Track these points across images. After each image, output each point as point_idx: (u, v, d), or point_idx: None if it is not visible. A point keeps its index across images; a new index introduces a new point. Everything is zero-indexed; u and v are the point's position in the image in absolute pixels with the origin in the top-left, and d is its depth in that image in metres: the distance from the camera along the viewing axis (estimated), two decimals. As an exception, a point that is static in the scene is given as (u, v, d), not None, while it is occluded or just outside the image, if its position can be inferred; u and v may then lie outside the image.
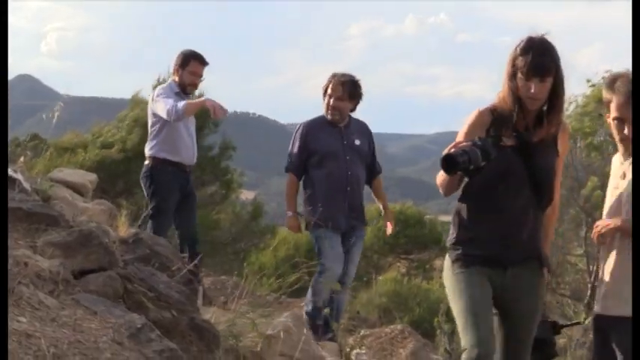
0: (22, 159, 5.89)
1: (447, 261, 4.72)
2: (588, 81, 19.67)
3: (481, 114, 4.58)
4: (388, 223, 8.33)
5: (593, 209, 16.86)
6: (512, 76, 4.38)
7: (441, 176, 4.50)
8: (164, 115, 8.08)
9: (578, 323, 6.77)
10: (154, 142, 8.33)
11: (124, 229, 4.34)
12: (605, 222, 4.77)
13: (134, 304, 3.70)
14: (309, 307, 7.67)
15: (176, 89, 8.42)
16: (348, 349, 5.68)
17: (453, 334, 9.46)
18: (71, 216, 4.54)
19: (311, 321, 7.44)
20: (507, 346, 4.73)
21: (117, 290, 3.72)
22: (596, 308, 4.85)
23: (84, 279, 3.71)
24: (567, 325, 5.04)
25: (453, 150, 4.22)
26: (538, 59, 4.29)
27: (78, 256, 3.78)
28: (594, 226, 4.82)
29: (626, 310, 4.55)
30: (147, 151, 8.41)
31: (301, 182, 7.97)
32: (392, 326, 8.99)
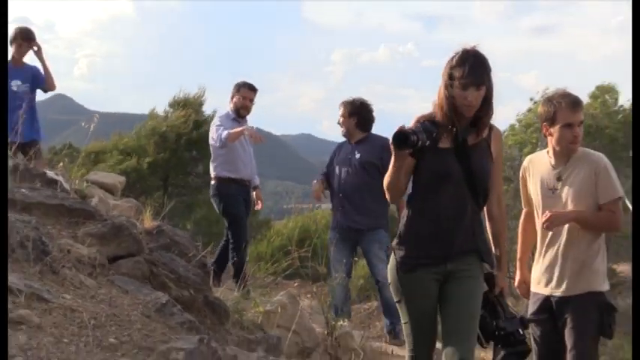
0: (61, 164, 5.91)
1: (392, 260, 4.22)
2: (531, 99, 19.83)
3: (420, 120, 4.11)
4: None
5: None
6: (449, 85, 3.98)
7: (387, 179, 4.11)
8: (212, 142, 8.18)
9: None
10: (216, 163, 8.31)
11: (148, 222, 4.35)
12: (559, 212, 4.70)
13: (158, 285, 3.73)
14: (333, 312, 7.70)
15: (232, 115, 8.34)
16: (333, 322, 5.69)
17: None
18: (105, 211, 4.55)
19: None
20: (451, 329, 4.08)
21: (144, 273, 3.74)
22: (555, 291, 4.76)
23: (116, 263, 3.74)
24: (535, 320, 4.91)
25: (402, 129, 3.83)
26: (474, 70, 3.92)
27: (111, 245, 3.80)
28: (545, 215, 4.70)
29: (583, 287, 4.63)
30: (212, 172, 8.41)
31: None
32: (369, 303, 9.03)
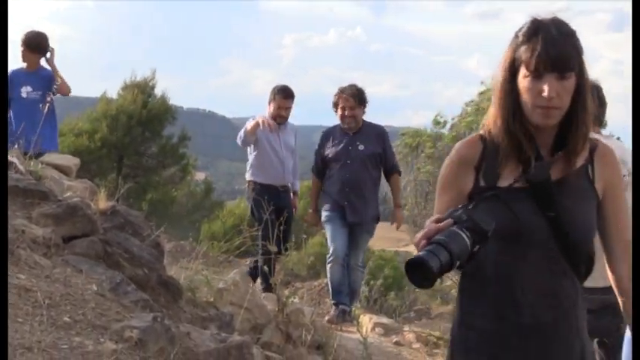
0: (15, 146, 5.78)
1: None
2: (482, 82, 19.95)
3: (467, 146, 2.47)
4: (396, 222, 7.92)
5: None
6: (512, 76, 2.33)
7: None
8: (238, 141, 7.96)
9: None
10: (249, 166, 8.04)
11: (103, 203, 4.28)
12: None
13: (113, 264, 3.68)
14: (330, 294, 7.60)
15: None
16: (284, 299, 5.68)
17: (372, 286, 9.49)
18: (59, 192, 4.47)
19: (336, 306, 7.35)
20: None
21: (98, 252, 3.68)
22: None
23: (71, 243, 3.68)
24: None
25: (421, 252, 2.04)
26: (554, 47, 2.23)
27: (66, 225, 3.74)
28: None
29: None
30: (246, 176, 8.15)
31: None
32: (319, 280, 9.05)
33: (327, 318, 7.10)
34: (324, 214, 7.56)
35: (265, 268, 7.64)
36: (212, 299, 4.89)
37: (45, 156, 6.05)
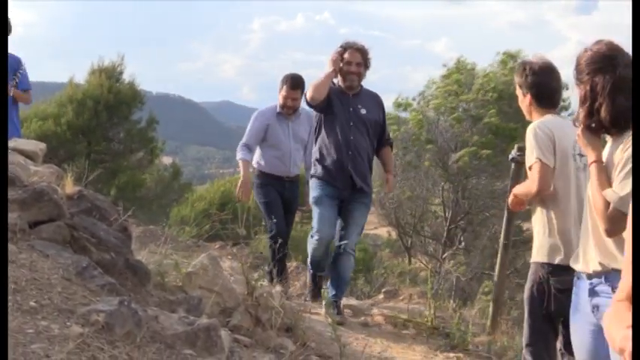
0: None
1: None
2: (444, 65, 20.07)
3: None
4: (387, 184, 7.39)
5: (456, 172, 17.31)
6: None
7: None
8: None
9: None
10: (257, 155, 7.91)
11: (69, 187, 4.25)
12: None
13: (79, 248, 3.66)
14: (308, 265, 7.26)
15: (278, 109, 7.80)
16: (253, 282, 5.68)
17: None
18: (25, 177, 4.43)
19: (311, 283, 7.28)
20: None
21: (65, 237, 3.66)
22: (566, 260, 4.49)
23: (37, 228, 3.65)
24: None
25: None
26: None
27: (32, 210, 3.71)
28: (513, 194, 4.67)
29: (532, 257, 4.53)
30: (253, 162, 8.02)
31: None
32: (289, 263, 9.06)
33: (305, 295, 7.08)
34: (313, 192, 6.93)
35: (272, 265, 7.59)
36: (181, 283, 4.89)
37: (10, 141, 5.98)
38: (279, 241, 7.40)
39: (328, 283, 6.99)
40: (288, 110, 7.74)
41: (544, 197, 4.42)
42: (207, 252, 6.47)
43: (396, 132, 16.84)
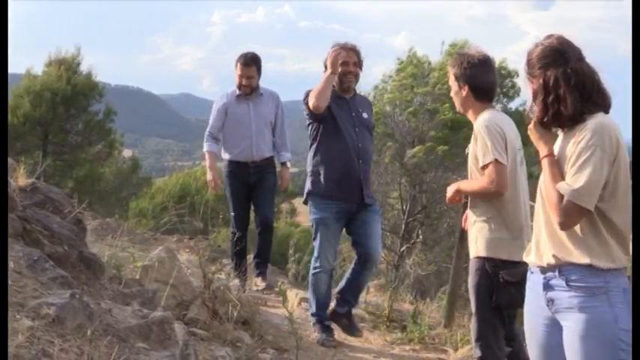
0: None
1: None
2: (398, 59, 20.09)
3: None
4: None
5: (413, 167, 17.36)
6: None
7: None
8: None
9: None
10: (222, 144, 7.68)
11: (22, 180, 4.19)
12: (450, 186, 4.68)
13: (32, 241, 3.61)
14: (312, 308, 6.27)
15: (237, 92, 7.51)
16: (210, 275, 5.65)
17: (300, 261, 9.52)
18: (-24, 169, 4.36)
19: (319, 324, 6.16)
20: None
21: (17, 229, 3.61)
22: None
23: (-12, 221, 3.59)
24: None
25: None
26: None
27: (-17, 202, 3.65)
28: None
29: (476, 252, 4.47)
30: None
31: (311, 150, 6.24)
32: (248, 256, 9.01)
33: (315, 338, 6.07)
34: (316, 214, 6.11)
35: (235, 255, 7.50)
36: (137, 276, 4.85)
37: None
38: (237, 234, 7.46)
39: (339, 289, 6.24)
40: (245, 89, 7.45)
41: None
42: (164, 245, 6.44)
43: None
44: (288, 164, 7.93)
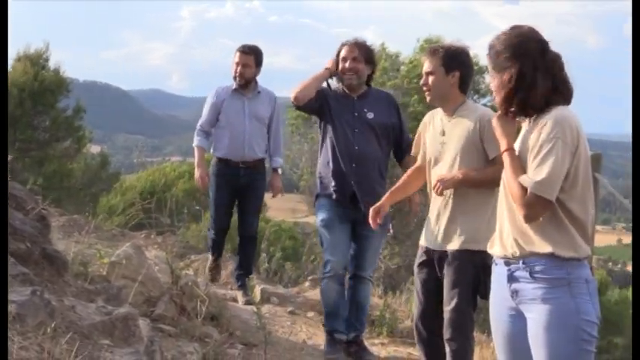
0: None
1: None
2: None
3: None
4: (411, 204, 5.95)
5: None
6: None
7: None
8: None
9: None
10: (213, 140, 7.23)
11: (-16, 176, 4.14)
12: (446, 177, 4.48)
13: (-7, 239, 3.56)
14: (324, 320, 5.93)
15: (234, 86, 7.05)
16: (178, 271, 5.63)
17: (272, 257, 9.51)
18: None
19: (329, 336, 5.80)
20: None
21: (-23, 227, 3.56)
22: (435, 244, 4.58)
23: (-52, 218, 3.54)
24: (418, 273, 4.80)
25: None
26: None
27: (-57, 199, 3.59)
28: (439, 181, 4.48)
29: (462, 244, 4.43)
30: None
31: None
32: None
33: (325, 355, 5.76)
34: (320, 214, 5.83)
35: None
36: (105, 272, 4.82)
37: None
38: (214, 238, 7.24)
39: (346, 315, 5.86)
40: (240, 79, 6.97)
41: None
42: (131, 241, 6.40)
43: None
44: (280, 171, 7.46)
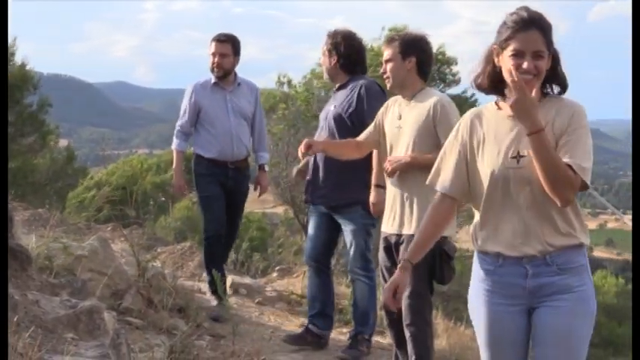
0: None
1: None
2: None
3: None
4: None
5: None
6: None
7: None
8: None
9: None
10: (195, 140, 6.61)
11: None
12: (395, 159, 4.54)
13: (-48, 234, 3.51)
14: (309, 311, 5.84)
15: (213, 79, 6.46)
16: (144, 263, 5.61)
17: (240, 248, 9.47)
18: None
19: (315, 328, 5.72)
20: None
21: (-63, 223, 3.51)
22: (392, 229, 4.64)
23: None
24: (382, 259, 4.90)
25: None
26: None
27: None
28: (388, 161, 4.55)
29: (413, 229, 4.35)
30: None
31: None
32: (183, 244, 8.96)
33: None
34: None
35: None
36: (71, 266, 4.79)
37: None
38: (213, 237, 6.44)
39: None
40: (218, 71, 6.40)
41: None
42: (97, 234, 6.35)
43: (285, 110, 16.79)
44: (266, 167, 6.95)
